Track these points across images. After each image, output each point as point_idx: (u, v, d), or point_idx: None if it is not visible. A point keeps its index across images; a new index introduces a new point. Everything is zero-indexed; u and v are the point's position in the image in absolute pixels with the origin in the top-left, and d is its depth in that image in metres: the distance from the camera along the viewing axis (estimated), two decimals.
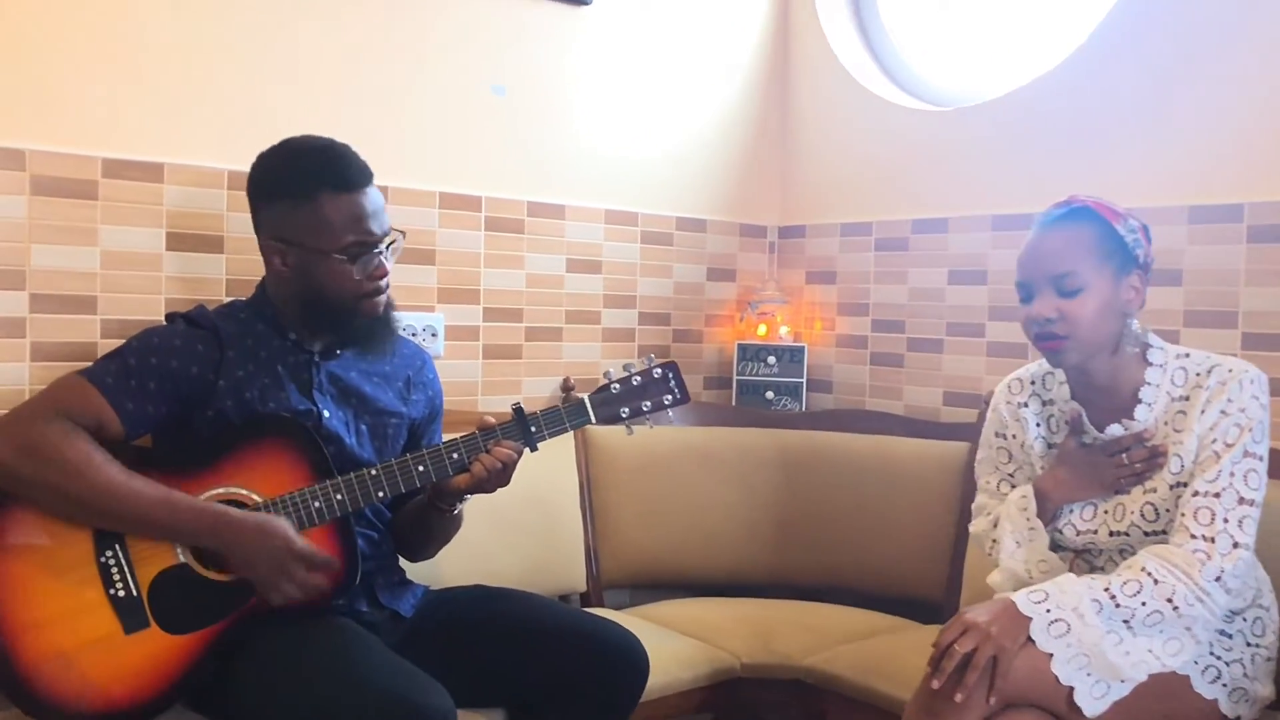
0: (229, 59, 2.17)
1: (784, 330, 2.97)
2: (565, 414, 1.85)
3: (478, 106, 2.51)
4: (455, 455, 1.81)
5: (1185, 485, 1.70)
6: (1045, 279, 1.70)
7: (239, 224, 2.13)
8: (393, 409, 1.94)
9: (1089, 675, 1.62)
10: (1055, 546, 1.86)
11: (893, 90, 2.90)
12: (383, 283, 1.84)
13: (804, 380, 2.91)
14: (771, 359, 2.91)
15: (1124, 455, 1.77)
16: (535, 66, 2.60)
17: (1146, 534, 1.75)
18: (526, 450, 1.83)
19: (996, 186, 2.59)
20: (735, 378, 2.92)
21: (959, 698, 1.57)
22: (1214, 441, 1.68)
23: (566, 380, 2.63)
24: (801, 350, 2.92)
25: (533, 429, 1.84)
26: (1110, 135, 2.37)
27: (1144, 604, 1.61)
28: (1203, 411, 1.70)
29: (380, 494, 1.78)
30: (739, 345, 2.93)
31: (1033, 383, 1.92)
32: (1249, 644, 1.79)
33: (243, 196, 1.89)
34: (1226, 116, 2.19)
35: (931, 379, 2.73)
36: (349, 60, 2.32)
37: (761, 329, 2.96)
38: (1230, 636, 1.77)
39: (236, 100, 2.18)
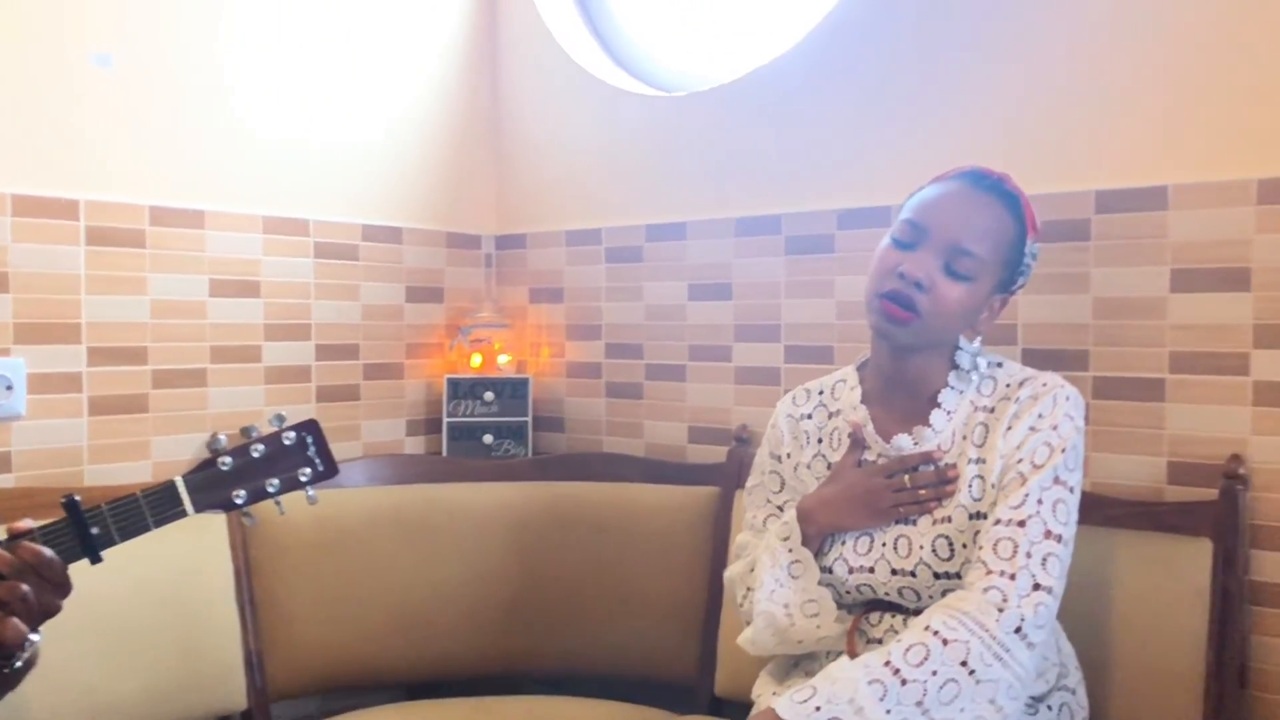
0: None
1: (504, 359, 2.49)
2: (146, 505, 1.28)
3: (74, 82, 1.89)
4: None
5: (986, 516, 1.40)
6: (945, 242, 1.43)
7: None
8: None
9: None
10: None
11: (618, 73, 2.47)
12: None
13: (529, 419, 2.43)
14: (489, 395, 2.42)
15: (906, 478, 1.45)
16: (162, 28, 2.00)
17: (938, 575, 1.42)
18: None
19: (739, 184, 2.19)
20: (445, 419, 2.41)
21: None
22: (1020, 461, 1.40)
23: (214, 437, 2.05)
24: (525, 383, 2.44)
25: (94, 530, 1.26)
26: (870, 121, 2.02)
27: (934, 673, 1.27)
28: (1009, 428, 1.42)
29: None
30: (449, 380, 2.42)
31: (820, 393, 1.63)
32: None
33: None
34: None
35: (674, 412, 2.30)
36: None
37: (476, 359, 2.46)
38: None
39: None
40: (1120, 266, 1.74)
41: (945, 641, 1.29)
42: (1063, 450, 1.39)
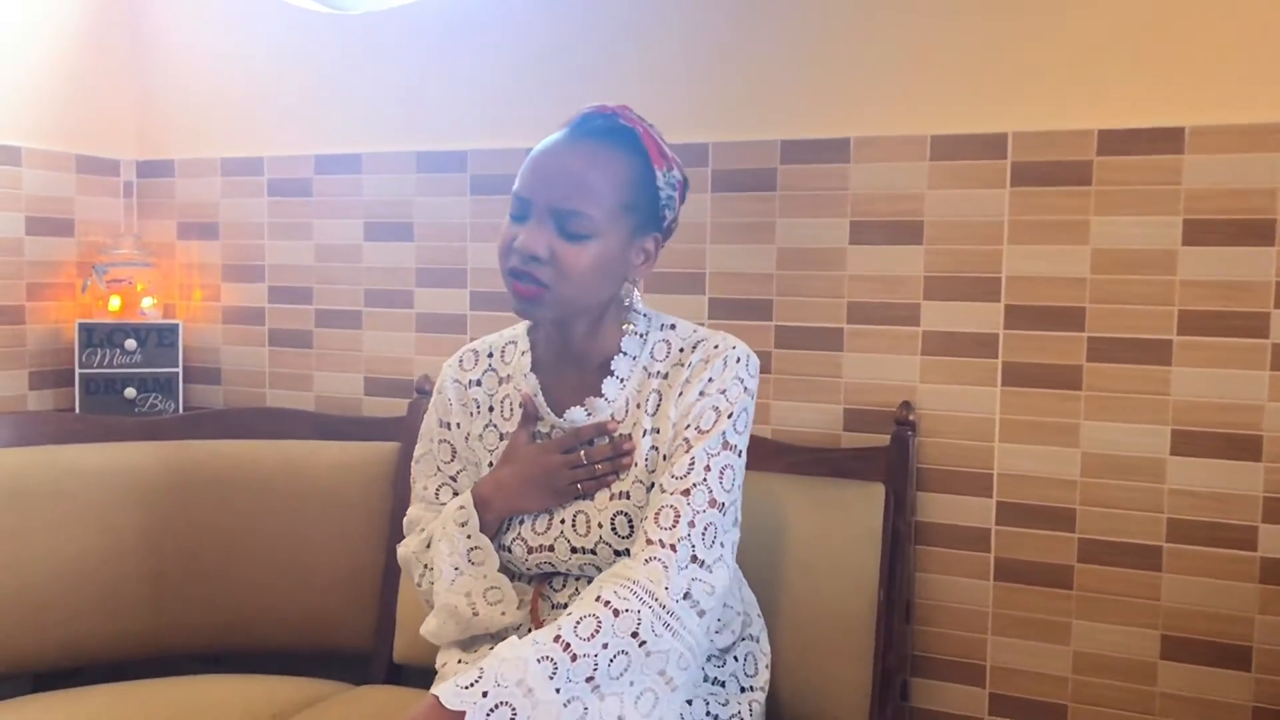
0: None
1: (148, 303, 2.20)
2: None
3: None
4: None
5: None
6: (549, 208, 1.30)
7: None
8: None
9: None
10: (510, 574, 1.42)
11: None
12: None
13: (179, 370, 2.17)
14: (131, 343, 2.14)
15: (582, 452, 1.36)
16: None
17: (618, 552, 1.34)
18: None
19: (421, 117, 2.04)
20: (78, 370, 2.10)
21: None
22: (688, 428, 1.32)
23: None
24: (175, 329, 2.18)
25: None
26: (566, 55, 1.93)
27: (605, 646, 1.19)
28: (680, 394, 1.35)
29: None
30: (82, 325, 2.11)
31: (490, 355, 1.49)
32: (744, 689, 1.46)
33: None
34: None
35: (349, 362, 2.13)
36: None
37: (115, 301, 2.16)
38: (724, 685, 1.42)
39: None
40: (804, 217, 1.76)
41: (616, 612, 1.21)
42: (729, 415, 1.33)
